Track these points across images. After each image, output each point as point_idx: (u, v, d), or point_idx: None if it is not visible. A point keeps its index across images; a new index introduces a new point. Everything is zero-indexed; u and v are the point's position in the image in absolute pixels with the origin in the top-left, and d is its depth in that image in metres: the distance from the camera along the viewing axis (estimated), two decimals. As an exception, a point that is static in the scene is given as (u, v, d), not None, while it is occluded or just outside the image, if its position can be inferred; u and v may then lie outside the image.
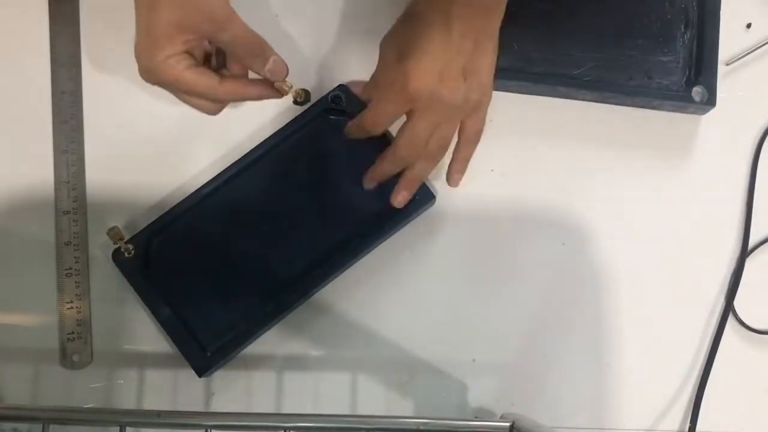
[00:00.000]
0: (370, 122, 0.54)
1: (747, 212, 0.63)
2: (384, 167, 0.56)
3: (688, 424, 0.60)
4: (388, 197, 0.57)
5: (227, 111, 0.56)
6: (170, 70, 0.50)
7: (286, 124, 0.60)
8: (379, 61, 0.54)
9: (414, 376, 0.59)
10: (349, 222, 0.59)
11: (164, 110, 0.60)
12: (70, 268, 0.59)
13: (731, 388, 0.61)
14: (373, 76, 0.55)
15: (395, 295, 0.60)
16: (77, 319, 0.58)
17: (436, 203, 0.61)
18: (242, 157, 0.59)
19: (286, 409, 0.58)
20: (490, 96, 0.54)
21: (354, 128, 0.56)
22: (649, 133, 0.63)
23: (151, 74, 0.51)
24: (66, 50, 0.61)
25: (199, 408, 0.58)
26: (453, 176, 0.58)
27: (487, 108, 0.55)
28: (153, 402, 0.58)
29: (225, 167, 0.59)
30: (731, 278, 0.62)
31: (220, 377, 0.58)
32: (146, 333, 0.58)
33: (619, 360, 0.61)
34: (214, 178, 0.59)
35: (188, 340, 0.56)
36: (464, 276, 0.61)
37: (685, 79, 0.61)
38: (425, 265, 0.61)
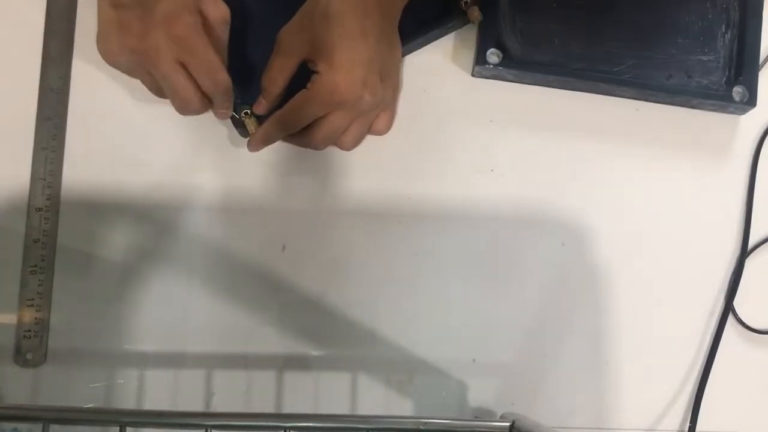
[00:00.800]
0: (288, 122, 0.55)
1: (747, 212, 0.63)
2: (285, 139, 0.58)
3: (688, 424, 0.60)
4: None
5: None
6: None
7: None
8: (279, 55, 0.54)
9: (414, 376, 0.59)
10: None
11: (153, 113, 0.60)
12: (35, 266, 0.58)
13: (731, 388, 0.61)
14: (276, 69, 0.55)
15: (395, 295, 0.60)
16: (36, 318, 0.58)
17: (438, 202, 0.61)
18: None
19: (286, 409, 0.58)
20: (399, 91, 0.60)
21: (270, 129, 0.56)
22: (651, 133, 0.63)
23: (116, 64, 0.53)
24: (58, 48, 0.60)
25: (199, 408, 0.58)
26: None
27: (397, 102, 0.60)
28: (153, 402, 0.58)
29: None
30: (731, 278, 0.62)
31: (220, 377, 0.58)
32: (146, 333, 0.59)
33: (619, 360, 0.61)
34: None
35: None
36: (464, 276, 0.61)
37: (725, 79, 0.62)
38: (425, 265, 0.61)
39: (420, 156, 0.62)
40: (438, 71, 0.63)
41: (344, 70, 0.52)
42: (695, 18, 0.62)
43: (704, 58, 0.62)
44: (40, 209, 0.59)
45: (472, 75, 0.62)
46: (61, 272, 0.59)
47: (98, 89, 0.60)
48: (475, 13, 0.60)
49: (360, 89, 0.53)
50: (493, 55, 0.60)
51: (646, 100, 0.63)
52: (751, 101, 0.62)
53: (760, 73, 0.62)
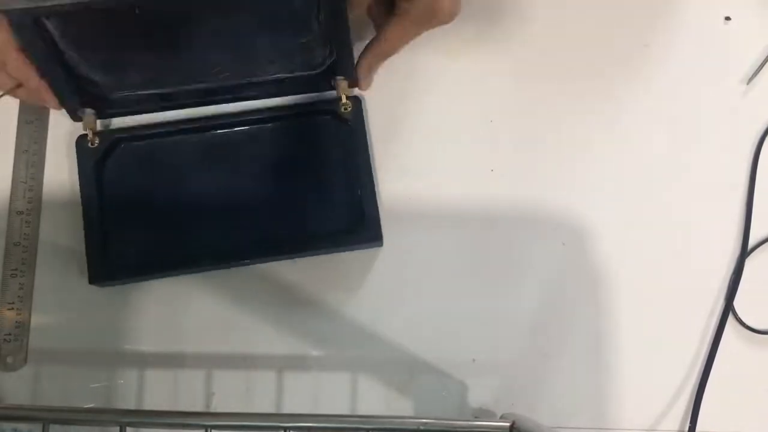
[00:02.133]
0: (389, 52, 0.57)
1: (747, 212, 0.63)
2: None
3: (688, 424, 0.60)
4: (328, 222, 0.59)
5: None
6: None
7: (290, 105, 0.61)
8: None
9: (414, 376, 0.59)
10: (289, 225, 0.59)
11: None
12: (16, 269, 0.59)
13: (731, 388, 0.61)
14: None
15: (395, 295, 0.60)
16: (16, 321, 0.58)
17: (438, 202, 0.61)
18: (235, 113, 0.60)
19: (286, 409, 0.58)
20: None
21: (373, 62, 0.57)
22: (650, 132, 0.63)
23: None
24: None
25: (199, 408, 0.58)
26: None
27: None
28: (153, 402, 0.58)
29: (214, 114, 0.60)
30: (731, 278, 0.62)
31: (220, 377, 0.58)
32: (147, 333, 0.59)
33: (619, 360, 0.61)
34: (200, 118, 0.60)
35: (99, 247, 0.57)
36: (464, 276, 0.61)
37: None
38: (425, 265, 0.61)
39: (420, 156, 0.62)
40: (439, 71, 0.63)
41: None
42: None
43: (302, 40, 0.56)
44: (21, 212, 0.59)
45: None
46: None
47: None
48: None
49: (458, 6, 0.54)
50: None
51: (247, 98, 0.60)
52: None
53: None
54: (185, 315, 0.59)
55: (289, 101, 0.61)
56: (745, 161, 0.64)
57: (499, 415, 0.58)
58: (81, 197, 0.58)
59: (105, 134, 0.59)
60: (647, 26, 0.62)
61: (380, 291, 0.60)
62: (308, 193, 0.60)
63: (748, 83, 0.65)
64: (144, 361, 0.58)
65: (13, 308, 0.58)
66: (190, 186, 0.60)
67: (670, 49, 0.61)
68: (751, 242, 0.63)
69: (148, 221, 0.59)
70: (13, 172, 0.60)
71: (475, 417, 0.59)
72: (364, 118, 0.61)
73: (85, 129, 0.59)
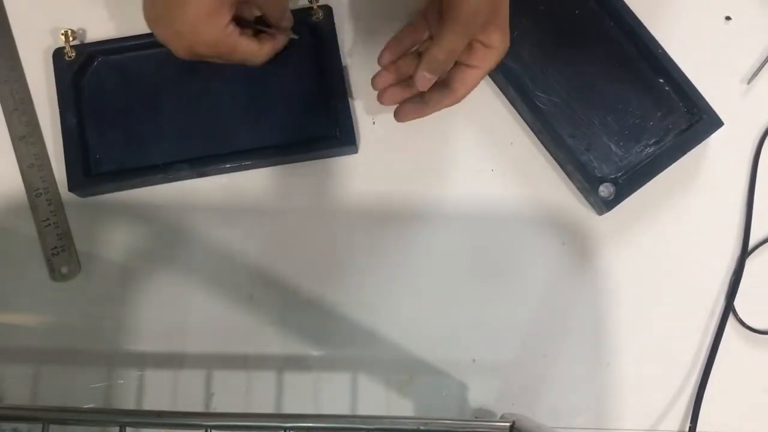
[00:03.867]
0: (447, 60, 0.55)
1: (747, 212, 0.63)
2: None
3: (688, 424, 0.60)
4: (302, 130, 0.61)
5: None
6: (229, 38, 0.54)
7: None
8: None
9: (414, 376, 0.59)
10: (264, 133, 0.60)
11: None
12: (38, 189, 0.59)
13: (731, 388, 0.61)
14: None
15: (395, 296, 0.60)
16: (57, 234, 0.59)
17: (438, 202, 0.61)
18: None
19: (286, 409, 0.58)
20: None
21: (429, 68, 0.55)
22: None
23: (215, 45, 0.53)
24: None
25: (199, 408, 0.58)
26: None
27: None
28: (153, 402, 0.58)
29: None
30: (731, 278, 0.62)
31: (220, 377, 0.58)
32: (147, 333, 0.59)
33: (619, 360, 0.61)
34: None
35: (77, 156, 0.59)
36: (464, 276, 0.61)
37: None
38: (425, 265, 0.61)
39: (420, 156, 0.62)
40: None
41: (507, 38, 0.55)
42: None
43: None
44: (23, 137, 0.60)
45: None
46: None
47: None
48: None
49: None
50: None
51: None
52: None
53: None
54: (185, 315, 0.59)
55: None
56: (745, 161, 0.64)
57: (499, 415, 0.58)
58: (59, 109, 0.59)
59: (81, 48, 0.61)
60: (647, 26, 0.62)
61: (380, 291, 0.60)
62: (283, 102, 0.61)
63: (748, 83, 0.65)
64: (144, 361, 0.58)
65: (49, 224, 0.59)
66: (167, 97, 0.61)
67: (670, 48, 0.61)
68: (751, 242, 0.63)
69: (127, 131, 0.60)
70: (3, 104, 0.61)
71: (475, 417, 0.59)
72: (336, 29, 0.62)
73: (64, 41, 0.60)
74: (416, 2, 0.63)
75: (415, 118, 0.59)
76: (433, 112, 0.58)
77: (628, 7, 0.62)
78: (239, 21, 0.55)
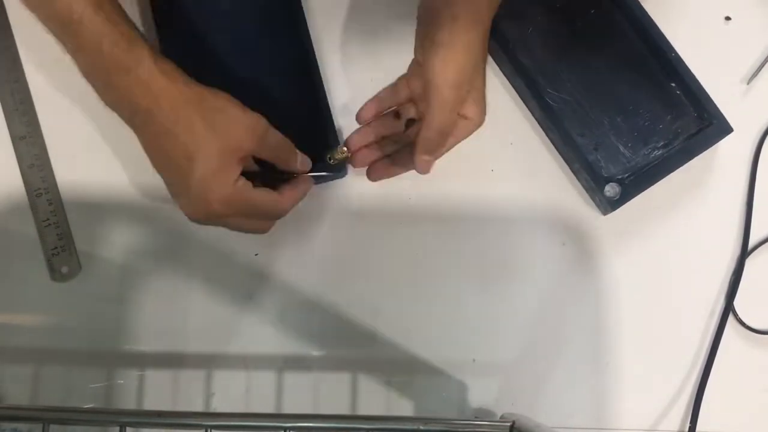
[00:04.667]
0: (440, 139, 0.57)
1: (747, 212, 0.63)
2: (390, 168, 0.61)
3: (688, 424, 0.60)
4: None
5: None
6: (241, 193, 0.52)
7: None
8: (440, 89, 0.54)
9: (414, 376, 0.59)
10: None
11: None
12: (38, 189, 0.59)
13: (731, 388, 0.61)
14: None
15: (395, 295, 0.60)
16: (57, 234, 0.58)
17: (438, 202, 0.61)
18: None
19: (286, 409, 0.58)
20: None
21: (426, 150, 0.57)
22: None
23: (229, 203, 0.51)
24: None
25: (199, 408, 0.58)
26: None
27: None
28: (153, 402, 0.58)
29: None
30: (731, 278, 0.62)
31: (220, 377, 0.58)
32: (147, 333, 0.59)
33: (619, 360, 0.61)
34: None
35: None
36: (464, 276, 0.61)
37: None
38: (425, 265, 0.61)
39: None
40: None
41: (483, 111, 0.58)
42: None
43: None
44: (23, 137, 0.60)
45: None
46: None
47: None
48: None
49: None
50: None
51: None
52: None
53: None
54: (185, 315, 0.59)
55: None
56: (745, 161, 0.64)
57: (499, 415, 0.58)
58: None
59: None
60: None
61: (380, 291, 0.60)
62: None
63: (748, 83, 0.65)
64: (144, 361, 0.58)
65: (49, 224, 0.59)
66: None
67: (670, 49, 0.61)
68: (751, 242, 0.63)
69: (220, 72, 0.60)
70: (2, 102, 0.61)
71: (475, 417, 0.59)
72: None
73: None
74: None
75: (386, 177, 0.60)
76: (404, 172, 0.60)
77: (644, 10, 0.62)
78: (254, 175, 0.54)
